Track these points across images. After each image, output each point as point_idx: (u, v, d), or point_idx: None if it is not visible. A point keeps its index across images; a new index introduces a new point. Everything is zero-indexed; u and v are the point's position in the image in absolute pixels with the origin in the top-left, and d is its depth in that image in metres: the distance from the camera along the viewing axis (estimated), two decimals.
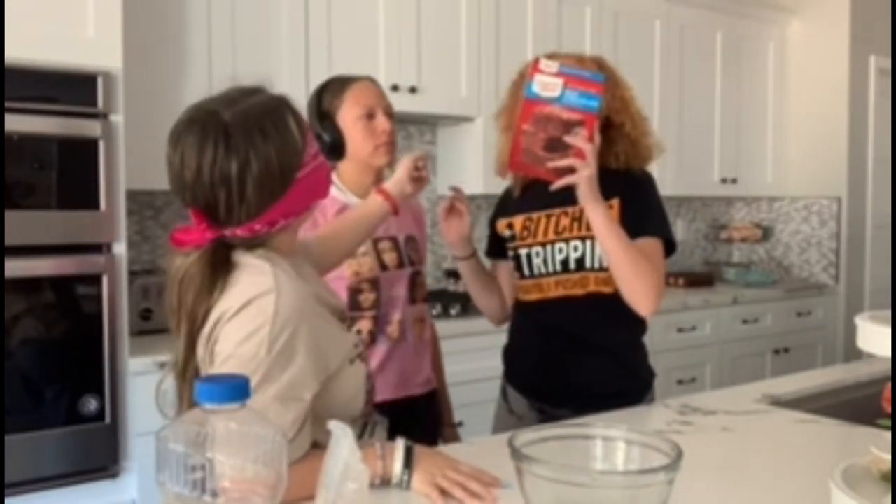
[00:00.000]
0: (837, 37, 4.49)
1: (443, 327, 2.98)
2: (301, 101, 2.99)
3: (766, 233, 4.67)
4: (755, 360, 4.08)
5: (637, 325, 1.82)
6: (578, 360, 1.78)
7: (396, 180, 1.64)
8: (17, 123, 2.08)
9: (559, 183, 1.53)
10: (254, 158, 1.13)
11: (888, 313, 1.05)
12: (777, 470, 1.37)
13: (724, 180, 4.40)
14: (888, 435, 1.05)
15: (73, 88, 2.18)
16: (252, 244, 1.19)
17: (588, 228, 1.66)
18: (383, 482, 1.20)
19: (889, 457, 1.01)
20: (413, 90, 3.14)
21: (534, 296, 1.81)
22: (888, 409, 1.11)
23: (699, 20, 4.23)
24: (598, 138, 1.53)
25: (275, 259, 1.19)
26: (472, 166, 3.46)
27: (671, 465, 0.98)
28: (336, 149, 1.79)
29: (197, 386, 0.82)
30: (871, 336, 1.01)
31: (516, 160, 1.53)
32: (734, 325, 4.00)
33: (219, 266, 1.15)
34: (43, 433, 2.14)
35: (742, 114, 4.49)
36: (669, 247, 1.74)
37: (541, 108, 1.49)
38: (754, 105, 4.55)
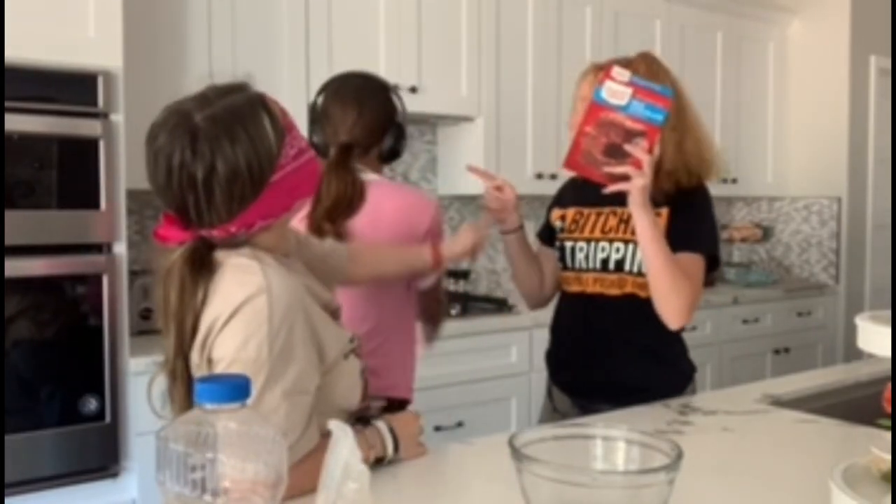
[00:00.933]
0: (837, 37, 4.49)
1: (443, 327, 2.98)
2: (301, 101, 3.00)
3: (767, 233, 4.67)
4: (755, 360, 4.08)
5: None
6: (616, 356, 1.82)
7: (452, 252, 1.67)
8: (17, 123, 2.08)
9: (612, 188, 1.56)
10: (220, 163, 1.11)
11: (888, 313, 1.05)
12: (777, 470, 1.37)
13: (724, 180, 4.39)
14: (888, 435, 1.05)
15: (73, 88, 2.18)
16: (234, 244, 1.18)
17: (633, 233, 1.67)
18: (375, 463, 1.28)
19: (889, 457, 1.01)
20: (413, 90, 3.14)
21: (574, 287, 1.86)
22: (888, 409, 1.11)
23: (699, 20, 4.23)
24: (657, 150, 1.54)
25: (261, 256, 1.18)
26: None
27: (671, 465, 0.98)
28: (323, 151, 1.82)
29: (197, 386, 0.82)
30: (871, 336, 1.02)
31: (574, 159, 1.55)
32: (734, 325, 4.00)
33: (199, 265, 1.15)
34: (43, 433, 2.14)
35: (742, 114, 4.49)
36: (713, 263, 1.76)
37: (606, 114, 1.51)
38: (754, 105, 4.55)
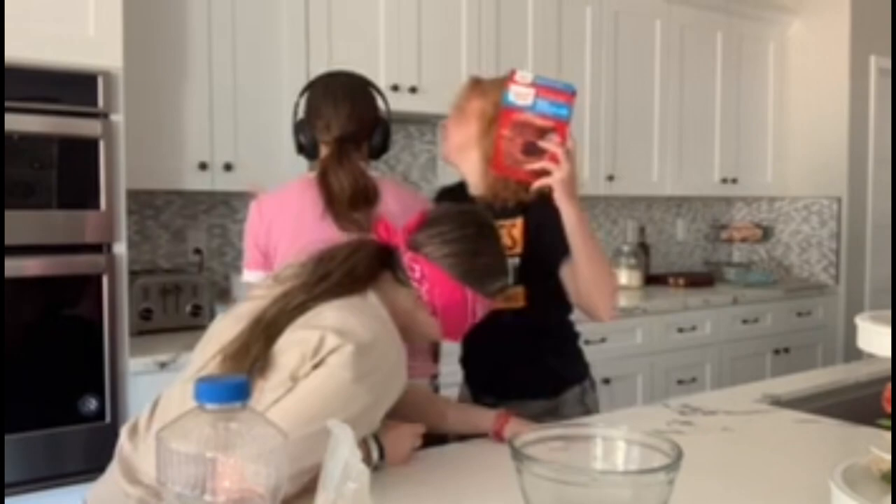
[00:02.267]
0: (837, 37, 4.49)
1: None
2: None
3: (767, 233, 4.67)
4: (755, 360, 4.08)
5: (568, 327, 1.93)
6: (508, 359, 1.83)
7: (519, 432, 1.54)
8: (17, 123, 2.08)
9: (537, 184, 1.59)
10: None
11: (888, 313, 1.05)
12: (777, 470, 1.37)
13: (724, 180, 4.40)
14: (888, 435, 1.05)
15: (73, 88, 2.18)
16: (398, 279, 1.35)
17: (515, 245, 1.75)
18: None
19: (889, 457, 1.01)
20: (413, 90, 3.14)
21: None
22: (888, 409, 1.11)
23: (699, 20, 4.23)
24: (570, 143, 1.59)
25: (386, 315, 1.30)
26: None
27: (671, 465, 0.98)
28: (311, 150, 1.91)
29: (197, 386, 0.82)
30: (871, 336, 1.02)
31: (499, 163, 1.60)
32: (734, 325, 4.00)
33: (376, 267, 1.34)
34: (43, 433, 2.14)
35: (742, 114, 4.49)
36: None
37: (517, 115, 1.58)
38: (754, 105, 4.55)
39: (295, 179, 1.93)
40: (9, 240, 2.07)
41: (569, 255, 1.66)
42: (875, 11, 4.51)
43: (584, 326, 3.38)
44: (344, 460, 0.90)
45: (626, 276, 4.19)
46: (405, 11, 3.15)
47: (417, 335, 1.39)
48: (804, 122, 4.63)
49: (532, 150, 1.58)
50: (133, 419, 1.44)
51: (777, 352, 4.18)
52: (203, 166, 2.69)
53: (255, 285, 1.49)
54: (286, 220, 1.83)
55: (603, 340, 3.42)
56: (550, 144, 1.57)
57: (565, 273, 1.71)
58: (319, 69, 2.90)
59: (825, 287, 4.48)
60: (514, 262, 1.73)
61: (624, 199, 4.40)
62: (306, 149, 1.91)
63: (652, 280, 4.30)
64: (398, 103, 3.14)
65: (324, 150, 1.86)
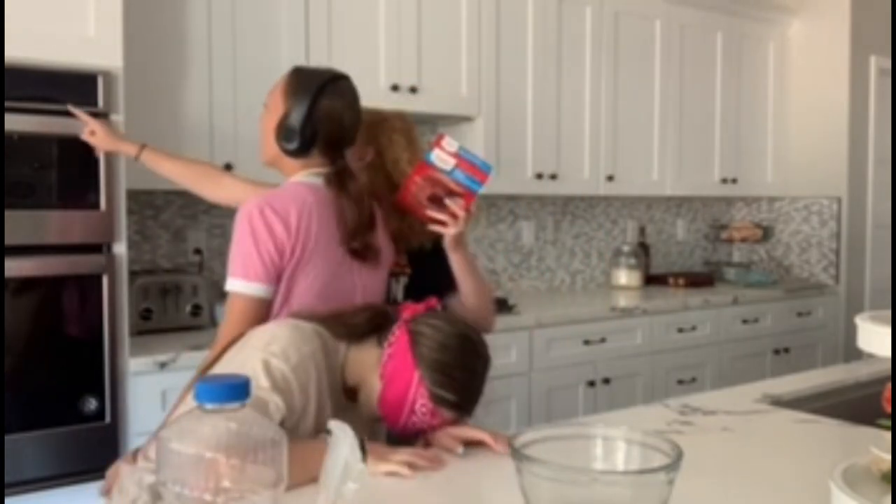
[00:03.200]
0: (837, 37, 4.49)
1: None
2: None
3: (767, 233, 4.67)
4: (755, 360, 4.08)
5: None
6: None
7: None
8: (17, 123, 2.08)
9: (431, 227, 1.75)
10: None
11: (888, 313, 1.05)
12: (777, 470, 1.37)
13: (724, 180, 4.40)
14: (888, 435, 1.05)
15: (73, 88, 2.18)
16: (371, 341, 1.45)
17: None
18: None
19: (889, 457, 1.01)
20: (413, 90, 3.14)
21: None
22: (888, 409, 1.11)
23: (699, 20, 4.23)
24: (473, 210, 1.77)
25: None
26: None
27: (671, 465, 0.98)
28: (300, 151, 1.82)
29: (197, 386, 0.82)
30: (871, 336, 1.01)
31: (405, 200, 1.74)
32: (734, 325, 4.00)
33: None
34: (43, 433, 2.14)
35: (742, 114, 4.49)
36: None
37: (433, 173, 1.72)
38: (754, 105, 4.55)
39: (300, 185, 1.73)
40: (9, 240, 2.07)
41: (455, 289, 1.84)
42: (875, 11, 4.51)
43: (584, 327, 3.40)
44: (344, 460, 0.90)
45: (627, 276, 4.19)
46: (405, 11, 3.15)
47: (363, 397, 1.45)
48: (804, 122, 4.63)
49: (437, 201, 1.73)
50: None
51: (777, 352, 4.18)
52: None
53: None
54: (310, 238, 1.68)
55: (603, 340, 3.42)
56: (456, 207, 1.72)
57: (453, 304, 1.86)
58: None
59: (825, 287, 4.48)
60: (404, 280, 1.93)
61: (624, 199, 4.40)
62: (302, 149, 1.74)
63: (652, 280, 4.30)
64: (398, 103, 3.15)
65: (318, 157, 1.76)
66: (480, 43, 3.37)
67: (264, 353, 1.32)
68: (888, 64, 4.56)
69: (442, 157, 1.72)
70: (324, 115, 1.72)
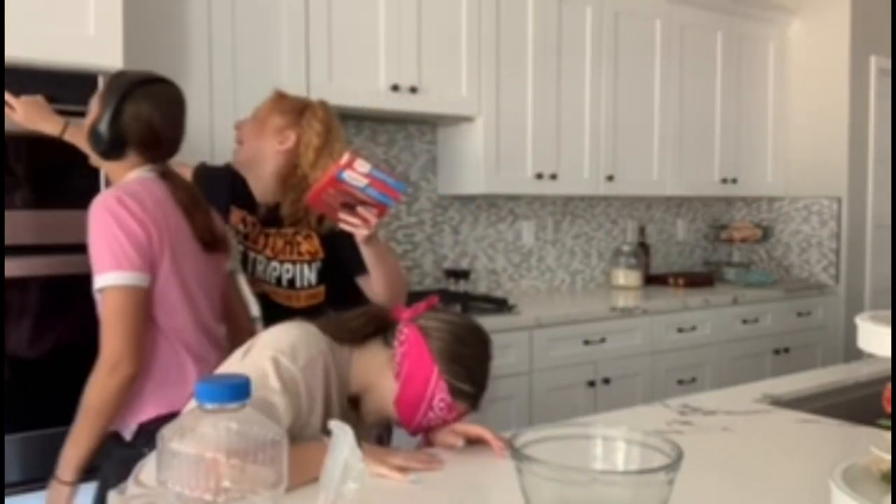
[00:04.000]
0: (837, 37, 4.49)
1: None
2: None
3: (766, 233, 4.67)
4: (755, 360, 4.08)
5: None
6: None
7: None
8: (17, 123, 2.08)
9: (342, 226, 1.81)
10: None
11: (888, 313, 1.05)
12: (777, 470, 1.37)
13: (724, 180, 4.40)
14: (888, 435, 1.05)
15: (73, 88, 2.18)
16: (377, 344, 1.46)
17: (298, 254, 2.01)
18: None
19: (889, 457, 1.01)
20: (413, 90, 3.14)
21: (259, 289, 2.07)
22: (888, 409, 1.12)
23: (699, 20, 4.23)
24: (384, 218, 1.83)
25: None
26: (472, 166, 3.46)
27: (671, 464, 0.98)
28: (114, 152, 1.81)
29: (197, 386, 0.82)
30: (871, 336, 1.01)
31: (317, 202, 1.78)
32: (734, 325, 4.00)
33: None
34: (43, 433, 2.14)
35: (742, 114, 4.49)
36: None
37: (346, 187, 1.74)
38: (754, 105, 4.55)
39: (144, 179, 1.74)
40: (9, 240, 2.07)
41: (366, 271, 1.92)
42: (875, 11, 4.51)
43: (584, 327, 3.40)
44: (344, 460, 0.90)
45: (626, 277, 4.19)
46: (405, 11, 3.15)
47: (373, 402, 1.44)
48: (804, 122, 4.63)
49: (350, 207, 1.77)
50: None
51: (777, 352, 4.18)
52: None
53: None
54: (167, 228, 1.69)
55: (603, 340, 3.42)
56: (369, 215, 1.77)
57: (363, 283, 1.97)
58: (320, 69, 2.92)
59: (825, 287, 4.48)
60: (317, 265, 2.01)
61: (624, 199, 4.40)
62: (112, 152, 1.73)
63: (652, 280, 4.31)
64: (398, 103, 3.15)
65: (136, 158, 1.75)
66: (480, 43, 3.37)
67: (273, 351, 1.31)
68: (888, 64, 4.56)
69: (354, 177, 1.74)
70: (130, 119, 1.71)
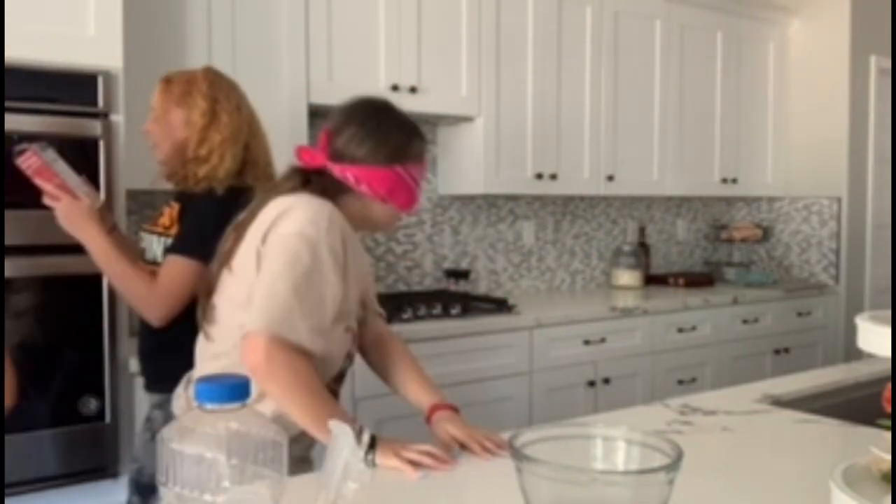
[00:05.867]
0: (837, 37, 4.49)
1: (443, 327, 2.98)
2: (302, 101, 2.99)
3: (767, 233, 4.67)
4: (755, 360, 4.08)
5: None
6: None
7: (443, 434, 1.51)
8: (17, 123, 2.08)
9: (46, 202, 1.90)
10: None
11: (888, 313, 1.05)
12: (777, 470, 1.37)
13: (724, 180, 4.40)
14: (888, 435, 1.05)
15: (73, 88, 2.18)
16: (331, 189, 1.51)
17: (155, 224, 2.00)
18: None
19: (889, 457, 1.01)
20: (413, 90, 3.14)
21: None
22: (888, 409, 1.11)
23: (699, 20, 4.23)
24: (62, 199, 1.90)
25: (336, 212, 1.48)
26: (472, 166, 3.46)
27: (671, 464, 0.98)
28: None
29: (197, 386, 0.82)
30: (871, 336, 1.01)
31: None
32: (734, 325, 4.00)
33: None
34: (43, 433, 2.14)
35: (742, 114, 4.49)
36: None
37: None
38: (754, 105, 4.55)
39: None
40: (9, 240, 2.07)
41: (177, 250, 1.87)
42: (875, 11, 4.51)
43: (584, 327, 3.40)
44: (344, 460, 0.90)
45: (627, 276, 4.19)
46: (405, 11, 3.15)
47: (380, 224, 1.62)
48: (804, 122, 4.63)
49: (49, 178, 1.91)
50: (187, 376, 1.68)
51: (777, 352, 4.18)
52: None
53: None
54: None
55: (603, 340, 3.42)
56: (49, 186, 1.89)
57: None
58: (319, 70, 2.92)
59: (825, 287, 4.48)
60: (165, 240, 1.93)
61: (624, 199, 4.40)
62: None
63: (652, 280, 4.31)
64: (398, 103, 3.13)
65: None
66: (480, 43, 3.37)
67: (297, 229, 1.42)
68: (888, 64, 4.56)
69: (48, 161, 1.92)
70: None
